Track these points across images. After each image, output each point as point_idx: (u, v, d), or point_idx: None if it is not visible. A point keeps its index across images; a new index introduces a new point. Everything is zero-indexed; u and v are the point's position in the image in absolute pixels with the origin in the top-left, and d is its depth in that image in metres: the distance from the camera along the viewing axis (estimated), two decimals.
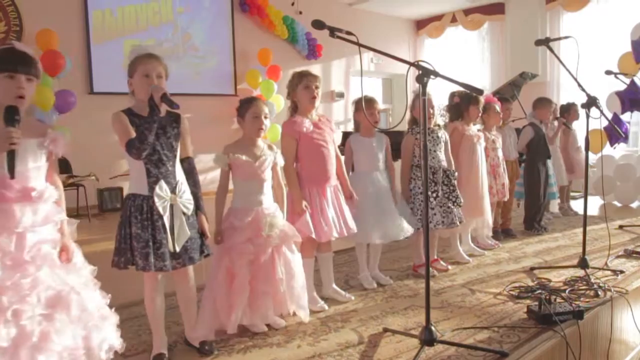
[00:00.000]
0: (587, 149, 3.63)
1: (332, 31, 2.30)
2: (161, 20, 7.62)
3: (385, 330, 2.63)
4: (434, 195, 3.47)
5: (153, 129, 2.13)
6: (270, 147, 2.71)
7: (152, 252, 2.16)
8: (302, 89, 2.87)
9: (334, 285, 3.15)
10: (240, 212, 2.59)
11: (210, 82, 8.07)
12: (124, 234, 2.18)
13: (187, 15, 7.90)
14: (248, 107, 2.59)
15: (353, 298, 3.11)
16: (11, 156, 1.72)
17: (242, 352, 2.42)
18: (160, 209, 2.18)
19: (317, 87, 2.89)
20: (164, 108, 2.21)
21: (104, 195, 6.64)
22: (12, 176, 1.73)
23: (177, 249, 2.23)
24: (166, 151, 2.24)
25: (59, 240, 1.88)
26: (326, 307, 2.95)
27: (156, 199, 2.18)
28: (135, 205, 2.19)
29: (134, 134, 2.14)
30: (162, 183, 2.20)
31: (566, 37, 3.75)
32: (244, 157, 2.58)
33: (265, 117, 2.60)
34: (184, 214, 2.27)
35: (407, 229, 3.28)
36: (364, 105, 3.04)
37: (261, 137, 2.69)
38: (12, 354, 1.63)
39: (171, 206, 2.23)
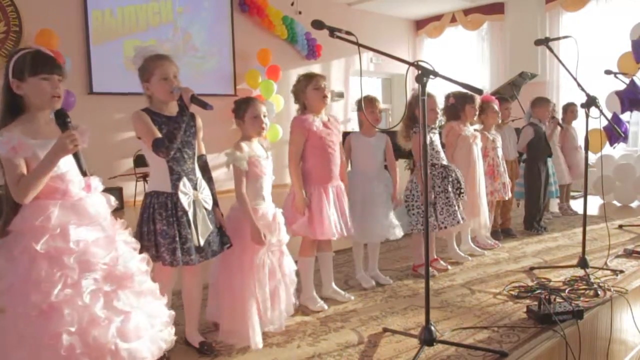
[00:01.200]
0: (586, 148, 3.64)
1: (332, 31, 2.30)
2: (161, 21, 7.63)
3: (385, 330, 2.63)
4: (458, 192, 3.52)
5: (182, 128, 2.20)
6: (268, 146, 2.72)
7: (179, 247, 2.22)
8: (312, 89, 2.88)
9: (334, 285, 3.15)
10: (238, 213, 2.55)
11: (210, 82, 8.07)
12: (148, 230, 2.23)
13: (187, 15, 7.91)
14: (246, 108, 2.57)
15: (353, 298, 3.11)
16: (78, 156, 1.81)
17: (242, 352, 2.42)
18: (185, 205, 2.25)
19: (326, 87, 2.91)
20: (175, 107, 2.25)
21: None
22: (85, 173, 1.84)
23: (202, 243, 2.29)
24: (187, 149, 2.30)
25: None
26: (326, 307, 2.96)
27: (181, 195, 2.24)
28: (159, 202, 2.24)
29: (158, 133, 2.18)
30: (185, 180, 2.28)
31: (566, 37, 3.75)
32: (259, 155, 2.56)
33: (265, 116, 2.60)
34: (205, 209, 2.33)
35: (399, 230, 3.31)
36: (363, 105, 3.04)
37: (262, 137, 2.68)
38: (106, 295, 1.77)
39: (193, 202, 2.29)
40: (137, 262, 1.93)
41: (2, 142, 1.72)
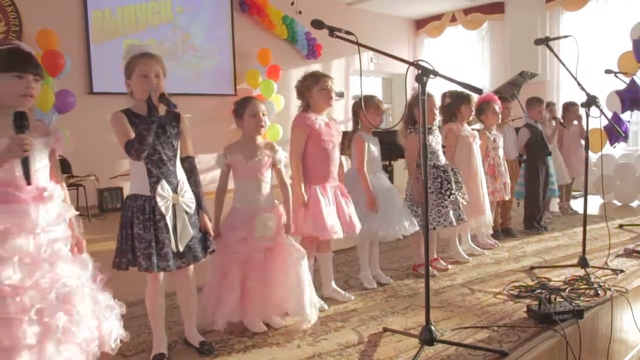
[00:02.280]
0: (587, 148, 3.63)
1: (332, 31, 2.30)
2: (161, 20, 7.62)
3: (385, 329, 2.63)
4: (447, 193, 3.49)
5: (152, 129, 2.13)
6: (270, 146, 2.70)
7: (155, 252, 2.17)
8: (318, 89, 2.89)
9: (334, 285, 3.15)
10: (239, 212, 2.61)
11: (210, 82, 8.07)
12: (125, 234, 2.19)
13: (187, 15, 7.90)
14: (245, 107, 2.59)
15: (353, 298, 3.11)
16: (25, 162, 1.74)
17: (242, 352, 2.42)
18: (163, 209, 2.19)
19: (332, 87, 2.92)
20: (163, 107, 2.20)
21: (104, 196, 6.64)
22: (29, 182, 1.75)
23: (181, 249, 2.24)
24: (167, 151, 2.24)
25: (70, 236, 1.92)
26: (326, 306, 2.95)
27: (158, 199, 2.18)
28: (137, 206, 2.19)
29: (132, 135, 2.14)
30: (164, 183, 2.21)
31: (566, 37, 3.75)
32: (240, 157, 2.59)
33: (264, 115, 2.60)
34: (187, 213, 2.27)
35: (409, 227, 3.30)
36: (363, 106, 3.05)
37: (261, 135, 2.68)
38: (39, 350, 1.70)
39: (173, 206, 2.23)
40: (74, 280, 1.84)
41: None
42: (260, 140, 2.68)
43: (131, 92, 2.26)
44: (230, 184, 2.66)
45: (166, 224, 2.20)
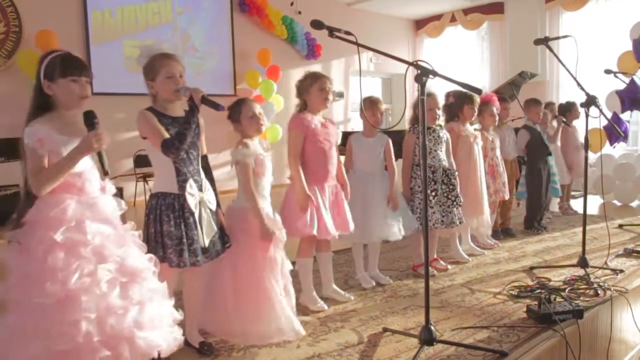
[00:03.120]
0: (586, 148, 3.64)
1: (331, 31, 2.30)
2: (160, 21, 7.63)
3: (385, 330, 2.63)
4: (433, 194, 3.47)
5: (192, 129, 2.20)
6: (266, 144, 2.70)
7: (186, 248, 2.22)
8: (316, 89, 2.88)
9: (334, 285, 3.15)
10: (244, 212, 2.53)
11: (210, 82, 8.05)
12: (155, 232, 2.22)
13: (187, 15, 7.91)
14: (240, 109, 2.54)
15: (352, 298, 3.11)
16: (101, 155, 1.89)
17: (242, 352, 2.42)
18: (192, 207, 2.26)
19: (330, 90, 2.92)
20: (180, 107, 2.27)
21: None
22: (106, 173, 1.92)
23: (207, 244, 2.30)
24: (192, 150, 2.31)
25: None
26: (326, 307, 2.96)
27: (188, 197, 2.25)
28: (166, 204, 2.24)
29: (166, 133, 2.18)
30: (192, 181, 2.28)
31: (565, 37, 3.75)
32: (264, 153, 2.56)
33: (260, 113, 2.58)
34: (210, 209, 2.35)
35: (400, 230, 3.28)
36: (363, 106, 3.04)
37: (261, 134, 2.67)
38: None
39: (199, 203, 2.30)
40: (146, 262, 1.96)
41: (31, 133, 1.81)
42: (261, 139, 2.67)
43: (154, 95, 2.29)
44: (232, 185, 2.63)
45: (195, 221, 2.27)
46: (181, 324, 2.52)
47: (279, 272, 2.51)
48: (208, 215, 2.33)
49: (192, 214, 2.26)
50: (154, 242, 2.21)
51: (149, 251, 2.13)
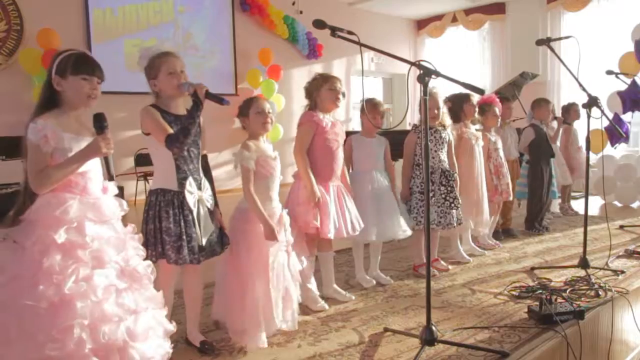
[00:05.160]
0: (588, 149, 3.63)
1: (334, 31, 2.30)
2: (162, 20, 7.62)
3: (386, 330, 2.63)
4: (430, 194, 3.46)
5: (196, 124, 2.20)
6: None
7: (185, 245, 2.22)
8: (327, 89, 2.91)
9: (335, 285, 3.15)
10: (246, 213, 2.51)
11: (211, 81, 7.94)
12: (154, 228, 2.23)
13: (188, 14, 7.90)
14: (250, 105, 2.57)
15: (354, 298, 3.11)
16: (107, 160, 1.88)
17: (243, 352, 2.42)
18: (191, 205, 2.26)
19: (340, 89, 2.95)
20: (182, 105, 2.28)
21: None
22: (112, 177, 1.91)
23: (204, 242, 2.30)
24: (193, 148, 2.32)
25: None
26: (327, 306, 2.95)
27: (187, 195, 2.25)
28: (165, 200, 2.24)
29: (170, 129, 2.19)
30: (191, 180, 2.28)
31: (567, 37, 3.75)
32: (268, 154, 2.55)
33: (269, 112, 2.60)
34: (208, 208, 2.35)
35: (407, 228, 3.29)
36: (365, 108, 3.05)
37: (266, 133, 2.65)
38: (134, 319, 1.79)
39: (198, 201, 2.30)
40: (144, 267, 1.94)
41: (36, 129, 1.78)
42: (265, 139, 2.66)
43: (157, 92, 2.30)
44: (232, 184, 2.64)
45: (193, 219, 2.27)
46: (183, 322, 2.54)
47: (278, 274, 2.48)
48: (206, 214, 2.33)
49: (191, 211, 2.26)
50: (153, 239, 2.22)
51: (147, 247, 2.15)
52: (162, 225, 2.22)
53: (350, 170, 3.35)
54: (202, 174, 2.38)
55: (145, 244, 2.19)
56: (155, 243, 2.22)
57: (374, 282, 3.36)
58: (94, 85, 1.91)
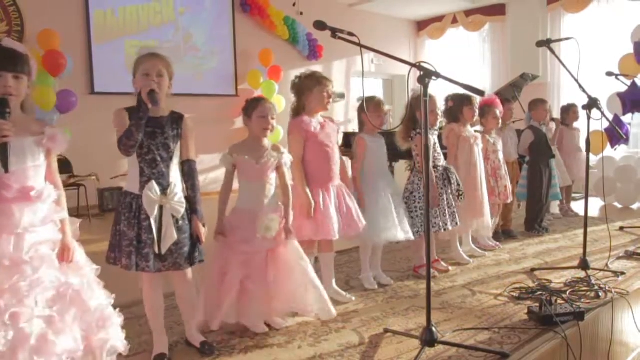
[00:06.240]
0: (587, 150, 3.63)
1: (334, 32, 2.30)
2: (162, 21, 7.63)
3: (386, 331, 2.63)
4: (441, 197, 3.48)
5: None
6: (276, 148, 2.70)
7: (134, 251, 2.15)
8: (319, 92, 2.89)
9: (335, 286, 3.14)
10: (242, 212, 2.60)
11: (212, 82, 8.07)
12: (115, 231, 2.22)
13: (188, 15, 7.91)
14: (255, 107, 2.59)
15: (354, 299, 3.11)
16: (3, 149, 1.69)
17: (243, 353, 2.42)
18: (148, 209, 2.17)
19: (331, 92, 2.93)
20: (168, 107, 2.24)
21: (105, 196, 6.63)
22: (6, 170, 1.70)
23: (162, 252, 2.19)
24: (161, 152, 2.22)
25: (59, 241, 1.86)
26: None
27: (144, 199, 2.17)
28: (125, 203, 2.20)
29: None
30: (153, 183, 2.18)
31: (567, 39, 3.74)
32: (246, 158, 2.58)
33: (272, 118, 2.61)
34: (173, 217, 2.22)
35: (409, 230, 3.30)
36: (366, 107, 3.05)
37: (267, 137, 2.68)
38: (10, 358, 1.60)
39: (160, 207, 2.20)
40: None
41: None
42: (266, 142, 2.68)
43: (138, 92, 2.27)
44: (232, 185, 2.65)
45: (150, 225, 2.16)
46: (182, 324, 2.54)
47: (254, 271, 2.56)
48: (168, 223, 2.19)
49: (149, 217, 2.16)
50: (114, 241, 2.21)
51: (109, 249, 2.16)
52: (120, 228, 2.18)
53: (362, 172, 3.32)
54: (173, 180, 2.25)
55: (110, 245, 2.23)
56: (114, 246, 2.20)
57: (376, 286, 3.35)
58: (6, 81, 1.73)
